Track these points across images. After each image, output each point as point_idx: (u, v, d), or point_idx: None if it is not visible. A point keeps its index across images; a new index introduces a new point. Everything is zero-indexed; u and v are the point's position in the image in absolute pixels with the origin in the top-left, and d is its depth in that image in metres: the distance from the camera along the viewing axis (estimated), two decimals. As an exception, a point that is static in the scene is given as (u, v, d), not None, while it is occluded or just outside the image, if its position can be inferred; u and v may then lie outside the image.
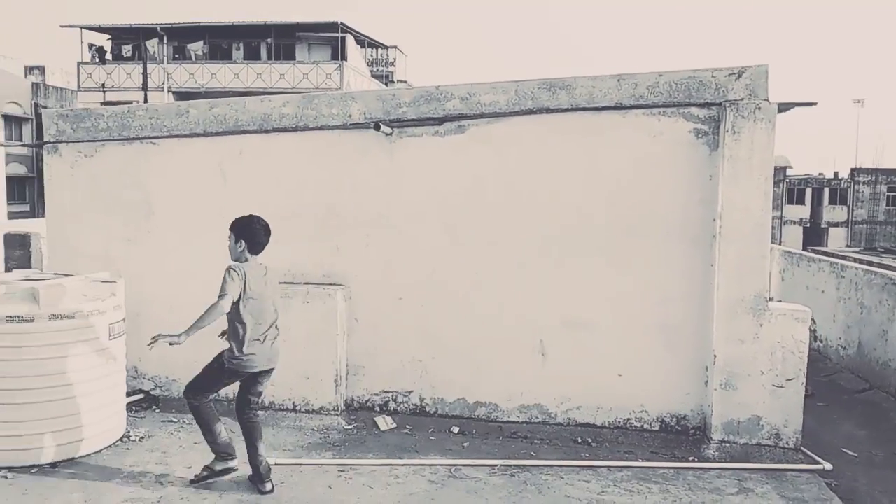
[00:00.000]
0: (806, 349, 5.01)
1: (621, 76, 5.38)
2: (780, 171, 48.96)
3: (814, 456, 4.99)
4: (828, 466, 4.85)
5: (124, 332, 5.23)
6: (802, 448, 5.05)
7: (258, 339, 4.40)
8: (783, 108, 5.44)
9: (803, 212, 48.14)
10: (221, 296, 4.28)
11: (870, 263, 24.00)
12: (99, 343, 4.93)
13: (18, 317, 4.61)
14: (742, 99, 5.11)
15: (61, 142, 5.91)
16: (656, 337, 5.34)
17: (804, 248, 32.39)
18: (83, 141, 5.88)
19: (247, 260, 4.45)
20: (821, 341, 8.26)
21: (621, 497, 4.37)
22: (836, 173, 51.69)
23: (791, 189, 49.46)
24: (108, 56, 33.85)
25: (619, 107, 5.37)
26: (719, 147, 5.16)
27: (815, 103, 5.47)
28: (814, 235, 47.51)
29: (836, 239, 46.99)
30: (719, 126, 5.18)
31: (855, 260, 25.37)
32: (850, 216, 48.15)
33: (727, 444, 5.05)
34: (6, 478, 4.49)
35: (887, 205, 48.05)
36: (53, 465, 4.67)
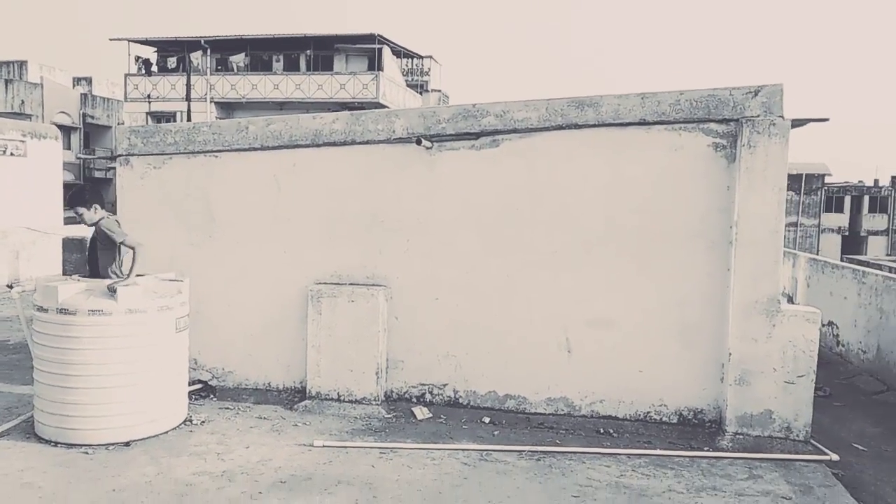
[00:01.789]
0: (816, 348, 5.35)
1: (645, 94, 5.79)
2: (818, 179, 48.41)
3: (822, 448, 5.33)
4: (835, 457, 5.19)
5: (188, 326, 5.81)
6: (812, 440, 5.39)
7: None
8: (798, 123, 5.80)
9: (842, 220, 47.54)
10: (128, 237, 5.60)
11: (906, 272, 23.75)
12: (167, 335, 5.49)
13: (99, 311, 5.21)
14: (758, 116, 5.50)
15: (133, 155, 6.55)
16: (675, 336, 5.73)
17: (842, 257, 32.08)
18: (152, 154, 6.50)
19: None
20: (842, 345, 8.52)
21: (638, 480, 4.78)
22: (876, 181, 50.88)
23: (829, 197, 48.83)
24: (154, 68, 35.15)
25: (642, 123, 5.79)
26: (736, 160, 5.55)
27: (827, 119, 5.82)
28: (853, 244, 46.84)
29: (876, 248, 46.25)
30: (736, 140, 5.56)
31: (890, 269, 25.13)
32: (890, 224, 47.34)
33: (740, 436, 5.42)
34: (87, 453, 5.05)
35: (929, 214, 47.13)
36: (127, 443, 5.23)
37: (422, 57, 41.57)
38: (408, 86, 38.55)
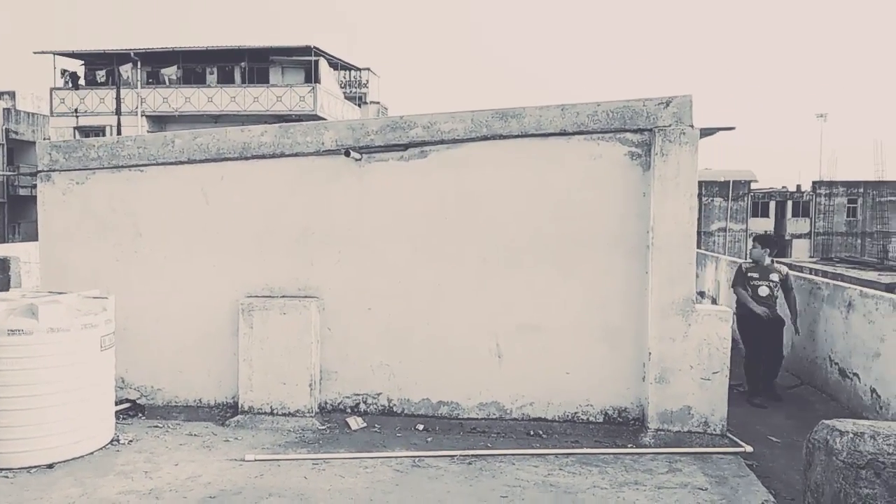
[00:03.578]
0: (729, 345, 5.65)
1: (565, 106, 6.02)
2: (745, 185, 50.47)
3: (737, 440, 5.61)
4: (749, 449, 5.48)
5: (114, 344, 5.70)
6: (728, 434, 5.68)
7: None
8: (707, 132, 6.13)
9: (768, 224, 49.54)
10: None
11: (825, 273, 25.08)
12: (91, 354, 5.39)
13: (19, 330, 5.07)
14: (669, 125, 5.79)
15: (54, 170, 6.40)
16: (599, 338, 5.95)
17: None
18: (75, 169, 6.37)
19: None
20: (761, 343, 8.94)
21: (565, 478, 4.95)
22: (798, 186, 53.30)
23: (756, 202, 50.90)
24: (82, 81, 34.08)
25: (563, 133, 6.02)
26: (651, 167, 5.82)
27: (733, 128, 6.18)
28: (778, 247, 49.00)
29: (800, 250, 48.45)
30: (650, 149, 5.84)
31: (811, 270, 26.45)
32: (812, 228, 49.69)
33: (662, 432, 5.66)
34: (7, 477, 4.91)
35: (848, 216, 49.71)
36: (50, 465, 5.10)
37: (360, 69, 41.55)
38: (346, 98, 38.47)
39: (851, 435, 3.10)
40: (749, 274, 7.41)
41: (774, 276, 7.35)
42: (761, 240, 7.67)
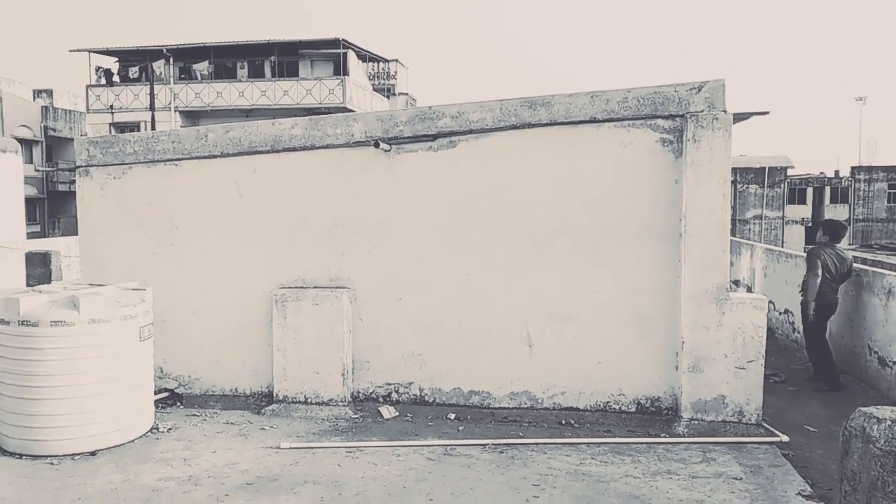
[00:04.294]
0: (764, 334, 5.57)
1: (594, 93, 5.97)
2: (781, 172, 49.43)
3: (773, 430, 5.54)
4: (785, 439, 5.40)
5: (152, 334, 5.84)
6: (763, 423, 5.61)
7: None
8: (740, 117, 6.03)
9: (805, 211, 48.57)
10: None
11: (864, 260, 24.49)
12: (131, 344, 5.52)
13: (62, 321, 5.22)
14: (702, 111, 5.70)
15: (92, 165, 6.55)
16: (631, 326, 5.91)
17: (805, 248, 32.81)
18: (112, 164, 6.52)
19: None
20: (798, 332, 8.79)
21: (597, 467, 4.94)
22: (836, 172, 52.07)
23: (792, 189, 49.86)
24: (116, 78, 34.72)
25: (593, 120, 5.96)
26: (683, 154, 5.74)
27: (768, 112, 6.06)
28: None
29: (838, 237, 47.35)
30: (682, 135, 5.76)
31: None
32: (851, 214, 48.52)
33: (695, 422, 5.61)
34: (52, 464, 5.07)
35: (889, 202, 48.42)
36: (93, 452, 5.25)
37: (388, 61, 41.64)
38: (374, 90, 38.59)
39: (889, 422, 3.05)
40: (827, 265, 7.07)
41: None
42: (828, 227, 7.37)
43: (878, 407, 3.34)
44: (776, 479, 4.75)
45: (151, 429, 5.75)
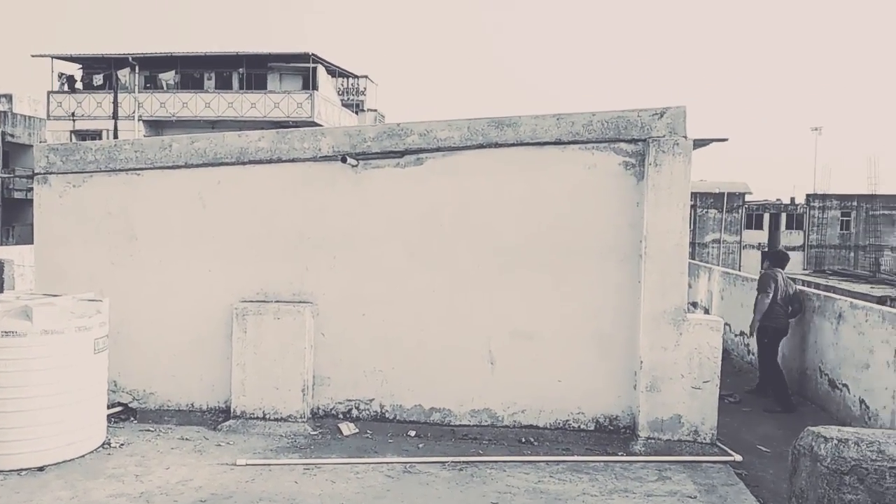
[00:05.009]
0: (720, 355, 5.69)
1: (560, 115, 6.08)
2: (739, 197, 50.72)
3: (727, 449, 5.65)
4: (738, 458, 5.51)
5: (107, 347, 5.71)
6: (718, 443, 5.71)
7: None
8: (700, 143, 6.19)
9: (761, 236, 49.78)
10: None
11: (817, 285, 25.16)
12: (85, 357, 5.40)
13: (13, 332, 5.08)
14: (663, 136, 5.84)
15: (51, 173, 6.42)
16: (591, 346, 5.99)
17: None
18: (72, 172, 6.39)
19: None
20: (752, 354, 9.00)
21: (555, 485, 4.97)
22: (792, 199, 53.57)
23: (750, 214, 51.13)
24: (79, 85, 34.10)
25: (558, 142, 6.07)
26: (644, 177, 5.87)
27: (727, 139, 6.23)
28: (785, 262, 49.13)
29: (793, 263, 48.62)
30: (644, 159, 5.89)
31: (804, 283, 26.56)
32: (805, 240, 49.92)
33: (652, 441, 5.69)
34: (-2, 479, 4.92)
35: (841, 229, 49.97)
36: (41, 468, 5.09)
37: (357, 76, 41.65)
38: (343, 105, 38.56)
39: (836, 441, 3.14)
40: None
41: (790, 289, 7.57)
42: (773, 256, 7.80)
43: (826, 427, 3.44)
44: (729, 497, 4.84)
45: (103, 444, 5.61)
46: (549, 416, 6.05)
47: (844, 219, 49.96)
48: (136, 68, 32.69)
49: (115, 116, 28.17)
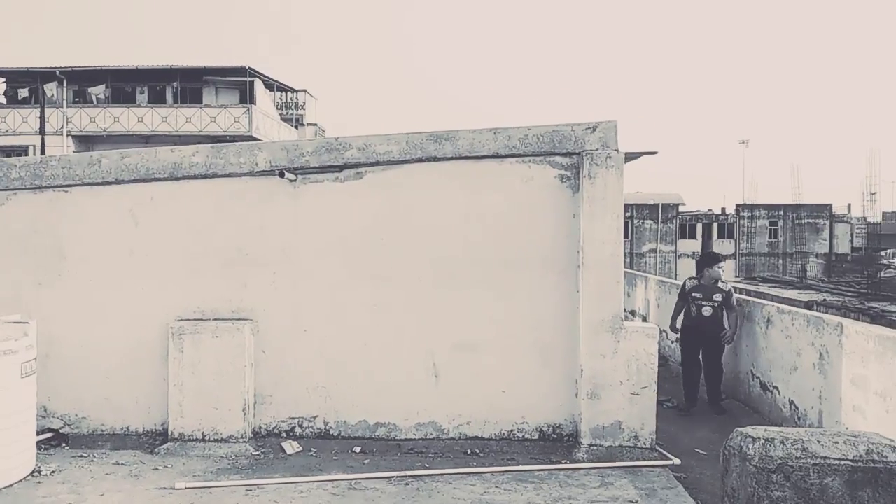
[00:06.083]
0: (656, 361, 5.85)
1: (497, 129, 6.18)
2: (673, 208, 52.37)
3: (666, 454, 5.80)
4: (677, 462, 5.67)
5: (35, 370, 5.47)
6: (658, 447, 5.86)
7: None
8: (632, 156, 6.39)
9: (695, 245, 51.45)
10: None
11: (748, 291, 26.15)
12: (10, 381, 5.16)
13: (-69, 358, 4.82)
14: (596, 149, 6.00)
15: (-29, 190, 6.14)
16: (534, 355, 6.07)
17: (696, 280, 34.54)
18: (-6, 190, 6.13)
19: None
20: (689, 359, 9.27)
21: (501, 496, 5.01)
22: (723, 209, 55.64)
23: (684, 225, 52.85)
24: (3, 99, 32.74)
25: (496, 156, 6.16)
26: (580, 190, 6.01)
27: (656, 152, 6.46)
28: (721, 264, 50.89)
29: (725, 270, 50.47)
30: (579, 172, 6.04)
31: (735, 289, 27.61)
32: (736, 248, 51.87)
33: (594, 447, 5.80)
34: (-85, 515, 4.64)
35: (770, 237, 52.14)
36: (-36, 500, 4.85)
37: (296, 91, 41.31)
38: (283, 119, 38.14)
39: (763, 441, 3.28)
40: (693, 294, 7.67)
41: (717, 296, 7.61)
42: (707, 258, 7.95)
43: (754, 427, 3.58)
44: (669, 500, 4.97)
45: (33, 472, 5.37)
46: (494, 426, 6.10)
47: (772, 227, 52.18)
48: (65, 82, 31.62)
49: (41, 131, 27.15)
